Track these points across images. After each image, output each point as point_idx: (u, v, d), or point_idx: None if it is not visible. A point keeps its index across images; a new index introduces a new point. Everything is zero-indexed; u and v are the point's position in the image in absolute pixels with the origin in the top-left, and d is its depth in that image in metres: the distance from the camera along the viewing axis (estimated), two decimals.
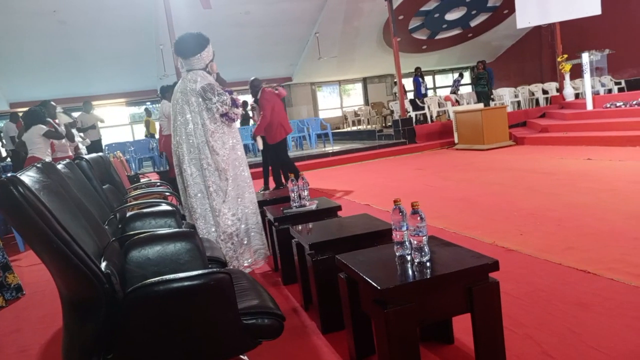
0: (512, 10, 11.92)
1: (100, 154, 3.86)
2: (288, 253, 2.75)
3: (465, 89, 16.62)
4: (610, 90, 11.77)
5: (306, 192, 3.00)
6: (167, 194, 3.93)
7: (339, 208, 2.96)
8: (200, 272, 1.34)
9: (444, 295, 1.65)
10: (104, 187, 3.03)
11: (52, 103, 6.27)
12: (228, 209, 3.07)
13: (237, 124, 3.32)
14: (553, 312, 2.29)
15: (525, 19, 10.98)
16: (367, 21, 14.03)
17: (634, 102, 8.62)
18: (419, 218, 1.73)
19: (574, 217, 3.84)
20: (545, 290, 2.54)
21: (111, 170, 3.71)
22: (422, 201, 5.42)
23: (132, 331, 1.33)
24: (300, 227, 2.49)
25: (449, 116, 11.19)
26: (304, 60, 15.56)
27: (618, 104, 8.92)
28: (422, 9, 14.11)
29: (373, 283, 1.61)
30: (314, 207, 2.92)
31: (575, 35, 11.97)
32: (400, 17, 13.57)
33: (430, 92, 16.60)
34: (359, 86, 19.18)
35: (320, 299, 2.22)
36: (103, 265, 1.33)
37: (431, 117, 12.04)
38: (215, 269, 1.36)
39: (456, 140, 10.04)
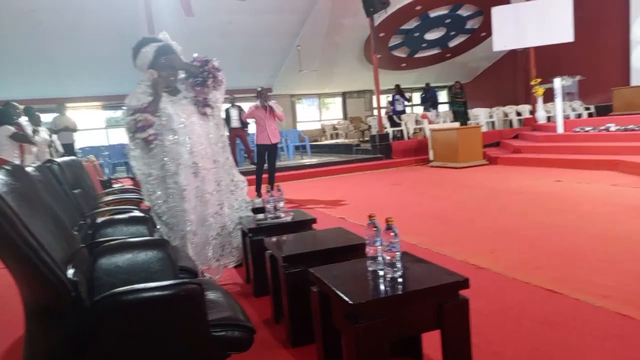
0: (489, 33, 12.26)
1: (73, 157, 3.78)
2: (261, 265, 2.73)
3: (442, 108, 16.92)
4: (580, 115, 12.16)
5: (282, 204, 3.00)
6: (140, 200, 3.86)
7: (314, 221, 2.96)
8: (170, 282, 1.32)
9: (414, 311, 1.66)
10: (75, 191, 2.97)
11: (14, 104, 5.96)
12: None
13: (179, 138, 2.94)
14: (520, 330, 2.33)
15: (501, 42, 11.30)
16: (348, 37, 14.20)
17: (602, 128, 8.92)
18: (392, 234, 1.74)
19: (543, 237, 3.93)
20: (514, 308, 2.59)
21: (83, 175, 3.64)
22: (397, 216, 5.43)
23: (98, 341, 1.29)
24: (274, 239, 2.49)
25: (424, 134, 11.36)
26: (285, 72, 15.62)
27: (587, 129, 9.21)
28: (403, 27, 14.37)
29: (345, 297, 1.62)
30: (289, 219, 2.92)
31: (548, 60, 12.35)
32: (381, 35, 13.78)
33: (408, 109, 16.84)
34: (338, 100, 19.33)
35: (291, 312, 2.21)
36: (70, 272, 1.30)
37: (408, 134, 12.20)
38: (186, 280, 1.34)
39: (431, 158, 10.19)
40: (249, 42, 13.18)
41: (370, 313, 1.60)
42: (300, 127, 17.63)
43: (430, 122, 11.85)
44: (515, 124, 12.59)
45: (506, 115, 13.01)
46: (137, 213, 2.89)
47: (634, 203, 4.86)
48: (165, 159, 2.86)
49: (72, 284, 1.25)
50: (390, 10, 12.20)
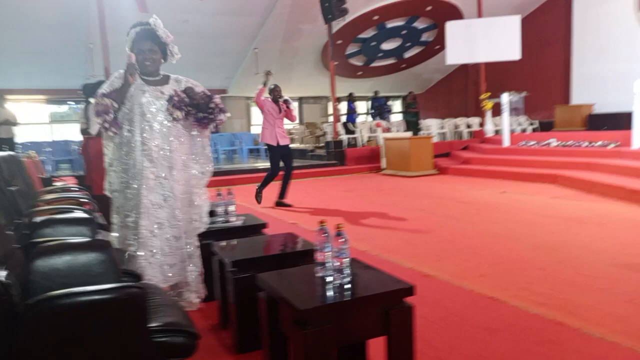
0: (442, 46, 12.64)
1: (11, 152, 3.58)
2: (208, 270, 2.68)
3: (395, 117, 17.27)
4: (525, 130, 12.73)
5: (232, 207, 2.96)
6: (84, 200, 3.70)
7: (265, 226, 2.94)
8: (111, 285, 1.27)
9: (361, 318, 1.68)
10: (11, 188, 2.80)
11: None
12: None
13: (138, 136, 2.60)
14: (464, 336, 2.40)
15: (454, 56, 11.68)
16: (306, 42, 14.25)
17: (544, 142, 9.39)
18: (342, 240, 1.76)
19: (487, 245, 4.07)
20: (458, 315, 2.66)
21: (21, 171, 3.45)
22: (348, 223, 5.50)
23: (32, 347, 1.22)
24: (222, 243, 2.45)
25: (378, 142, 11.55)
26: (241, 74, 15.47)
27: (531, 143, 9.66)
28: (360, 36, 14.57)
29: (293, 303, 1.61)
30: (239, 223, 2.88)
31: (498, 76, 12.87)
32: (339, 42, 13.92)
33: (362, 117, 17.07)
34: (295, 105, 19.33)
35: (239, 317, 2.18)
36: (2, 274, 1.23)
37: (362, 141, 12.36)
38: (127, 283, 1.29)
39: (384, 166, 10.37)
40: (205, 42, 12.96)
41: (317, 319, 1.60)
42: (255, 130, 17.49)
43: (384, 131, 12.07)
44: (465, 136, 13.02)
45: (457, 127, 13.43)
46: (79, 213, 2.76)
47: (570, 215, 5.13)
48: (122, 151, 2.61)
49: (5, 286, 1.18)
50: (349, 18, 12.36)
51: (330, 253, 1.78)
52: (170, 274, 2.56)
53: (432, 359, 2.15)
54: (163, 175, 2.56)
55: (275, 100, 6.29)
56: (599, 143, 8.32)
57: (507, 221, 5.00)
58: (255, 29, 13.34)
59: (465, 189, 7.49)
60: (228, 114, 2.85)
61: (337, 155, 11.27)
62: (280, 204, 6.53)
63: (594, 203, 5.77)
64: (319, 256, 1.82)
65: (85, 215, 2.69)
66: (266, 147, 6.57)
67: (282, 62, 15.07)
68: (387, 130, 12.44)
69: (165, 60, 2.72)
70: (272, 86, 6.37)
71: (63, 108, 15.46)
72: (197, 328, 1.59)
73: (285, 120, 6.45)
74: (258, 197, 6.63)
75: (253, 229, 2.87)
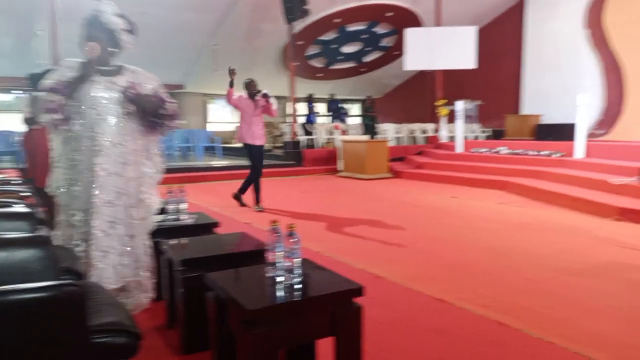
0: (401, 52, 12.87)
1: None
2: (157, 268, 2.60)
3: (352, 120, 17.44)
4: (477, 137, 13.15)
5: (184, 206, 2.89)
6: (26, 194, 3.52)
7: (216, 224, 2.89)
8: (47, 283, 1.21)
9: (310, 318, 1.68)
10: None
11: None
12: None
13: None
14: (412, 337, 2.44)
15: (412, 62, 11.91)
16: (267, 42, 14.16)
17: (495, 150, 9.72)
18: (294, 240, 1.75)
19: (437, 249, 4.17)
20: (407, 316, 2.71)
21: None
22: (303, 224, 5.49)
23: None
24: (172, 242, 2.39)
25: (335, 144, 11.62)
26: (199, 70, 15.19)
27: (482, 150, 9.98)
28: (321, 38, 14.63)
29: (241, 303, 1.59)
30: (190, 221, 2.82)
31: (454, 83, 13.22)
32: (300, 43, 13.92)
33: (321, 119, 17.14)
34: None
35: (186, 317, 2.13)
36: None
37: (320, 143, 12.39)
38: (66, 281, 1.23)
39: (340, 168, 10.44)
40: (163, 36, 12.63)
41: (266, 319, 1.59)
42: (212, 128, 17.23)
43: (342, 133, 12.16)
44: (420, 141, 13.29)
45: (412, 132, 13.70)
46: (19, 207, 2.62)
47: (517, 221, 5.33)
48: (69, 146, 2.42)
49: None
50: (310, 19, 12.39)
51: (281, 253, 1.77)
52: (124, 275, 2.42)
53: None
54: (115, 171, 2.39)
55: (252, 95, 5.95)
56: (545, 152, 8.69)
57: (457, 226, 5.14)
58: (215, 26, 13.13)
59: (418, 193, 7.65)
60: (183, 122, 2.72)
61: (295, 156, 11.26)
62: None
63: (540, 210, 6.02)
64: (270, 256, 1.80)
65: (25, 209, 2.56)
66: (244, 146, 6.15)
67: (242, 60, 14.88)
68: (345, 132, 12.54)
69: (116, 49, 2.52)
70: (248, 80, 6.11)
71: (8, 97, 14.67)
72: (143, 328, 1.54)
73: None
74: (239, 198, 6.31)
75: (204, 228, 2.82)
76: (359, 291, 1.73)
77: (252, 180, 6.15)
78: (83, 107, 2.39)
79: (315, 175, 10.53)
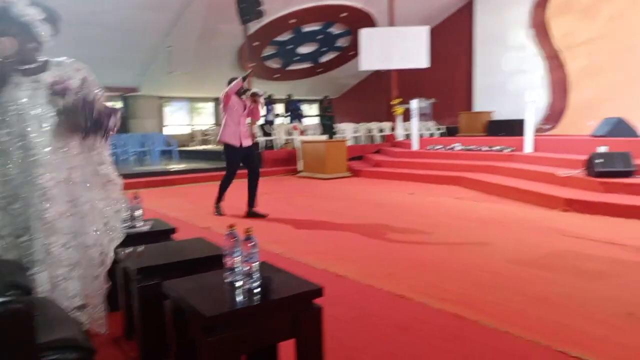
0: (357, 52, 13.02)
1: None
2: (111, 278, 2.52)
3: (310, 120, 17.50)
4: (433, 134, 13.46)
5: (139, 212, 2.82)
6: None
7: (173, 231, 2.83)
8: None
9: (270, 322, 1.67)
10: None
11: None
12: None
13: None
14: (375, 334, 2.47)
15: (367, 62, 12.07)
16: (222, 42, 13.98)
17: (449, 147, 9.98)
18: (251, 244, 1.74)
19: (397, 245, 4.25)
20: (369, 313, 2.74)
21: None
22: (264, 225, 5.45)
23: None
24: (127, 250, 2.32)
25: (294, 145, 11.62)
26: (153, 72, 14.83)
27: (437, 147, 10.23)
28: (277, 39, 14.59)
29: (200, 310, 1.57)
30: (145, 228, 2.75)
31: (408, 82, 13.48)
32: (256, 44, 13.83)
33: (280, 120, 17.09)
34: (210, 105, 18.91)
35: (145, 327, 2.08)
36: None
37: (279, 144, 12.36)
38: (10, 298, 1.18)
39: (300, 168, 10.45)
40: (115, 36, 12.26)
41: (225, 325, 1.57)
42: (168, 131, 16.86)
43: (300, 134, 12.17)
44: (378, 140, 13.48)
45: (370, 131, 13.88)
46: None
47: (472, 215, 5.50)
48: None
49: None
50: (265, 20, 12.33)
51: (239, 258, 1.75)
52: (86, 290, 2.19)
53: (343, 358, 2.19)
54: (63, 178, 2.12)
55: (240, 94, 5.59)
56: (497, 148, 9.00)
57: (415, 222, 5.24)
58: (169, 26, 12.86)
59: (377, 190, 7.75)
60: (112, 132, 2.31)
61: None
62: (253, 214, 5.73)
63: (493, 203, 6.23)
64: (228, 261, 1.78)
65: None
66: (224, 147, 5.72)
67: (198, 61, 14.68)
68: (303, 133, 12.56)
69: (36, 43, 2.15)
70: (234, 77, 5.72)
71: None
72: (100, 340, 1.50)
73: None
74: (217, 209, 5.90)
75: (161, 235, 2.75)
76: (318, 292, 1.74)
77: (254, 185, 5.74)
78: (7, 113, 2.07)
79: (275, 177, 10.49)
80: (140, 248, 2.39)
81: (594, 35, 11.27)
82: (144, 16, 12.02)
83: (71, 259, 2.12)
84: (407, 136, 11.93)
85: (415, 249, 4.12)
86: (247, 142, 5.62)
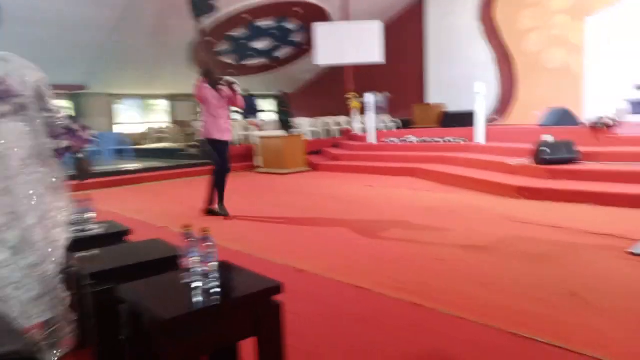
0: (311, 47, 13.02)
1: None
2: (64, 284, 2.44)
3: (267, 116, 17.39)
4: (388, 127, 13.66)
5: (90, 215, 2.73)
6: None
7: (128, 232, 2.76)
8: None
9: (229, 321, 1.67)
10: None
11: None
12: None
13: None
14: (335, 327, 2.51)
15: (322, 57, 12.11)
16: (175, 38, 13.65)
17: (404, 139, 10.17)
18: (208, 244, 1.73)
19: (355, 237, 4.31)
20: (329, 307, 2.78)
21: None
22: (222, 223, 5.39)
23: None
24: (79, 255, 2.25)
25: (252, 140, 11.53)
26: (103, 69, 14.32)
27: (393, 139, 10.40)
28: (230, 34, 14.39)
29: (156, 313, 1.55)
30: (98, 231, 2.67)
31: (364, 77, 13.61)
32: (209, 39, 13.60)
33: (236, 116, 16.90)
34: (165, 103, 18.47)
35: (99, 334, 2.02)
36: None
37: (236, 140, 12.23)
38: None
39: (259, 164, 10.40)
40: (60, 32, 11.74)
41: (184, 327, 1.56)
42: (120, 129, 16.35)
43: (258, 130, 12.08)
44: (335, 134, 13.55)
45: (327, 125, 13.94)
46: None
47: (428, 205, 5.64)
48: None
49: None
50: (218, 15, 12.13)
51: (196, 258, 1.74)
52: (37, 309, 2.02)
53: (303, 354, 2.21)
54: (1, 189, 1.96)
55: (214, 85, 5.26)
56: (450, 139, 9.24)
57: (373, 213, 5.33)
58: (118, 21, 12.44)
59: (335, 184, 7.82)
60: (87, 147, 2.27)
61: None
62: (210, 212, 5.55)
63: (447, 193, 6.41)
64: (184, 262, 1.76)
65: None
66: (202, 142, 5.46)
67: (150, 57, 14.29)
68: (260, 128, 12.48)
69: None
70: (206, 67, 5.47)
71: None
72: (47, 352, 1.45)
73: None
74: (222, 210, 5.48)
75: (115, 237, 2.68)
76: (277, 289, 1.75)
77: (219, 183, 5.55)
78: None
79: (234, 173, 10.34)
80: (93, 252, 2.33)
81: (540, 28, 11.74)
82: (90, 11, 11.58)
83: (9, 279, 1.95)
84: (364, 130, 12.06)
85: (374, 241, 4.20)
86: (227, 136, 5.38)
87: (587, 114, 8.76)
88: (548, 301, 2.68)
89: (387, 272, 3.32)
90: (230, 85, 5.30)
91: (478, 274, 3.19)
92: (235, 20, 13.67)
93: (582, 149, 6.35)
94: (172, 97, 18.27)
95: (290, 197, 6.80)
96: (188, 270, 1.75)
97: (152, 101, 18.40)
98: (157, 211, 6.11)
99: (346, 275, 3.26)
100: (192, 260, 1.74)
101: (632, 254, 3.38)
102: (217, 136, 5.28)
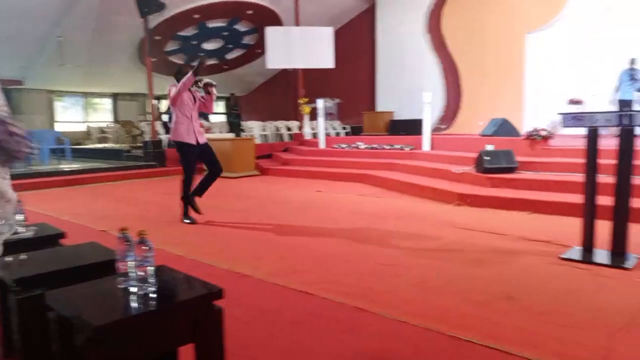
0: (263, 50, 12.96)
1: None
2: None
3: (217, 118, 17.16)
4: (339, 133, 13.81)
5: (21, 217, 2.57)
6: None
7: (62, 235, 2.63)
8: None
9: (167, 328, 1.61)
10: None
11: None
12: None
13: None
14: (276, 332, 2.48)
15: (274, 61, 12.08)
16: (121, 35, 13.21)
17: (354, 145, 10.30)
18: (145, 248, 1.67)
19: (302, 242, 4.30)
20: (271, 312, 2.75)
21: None
22: (166, 227, 5.26)
23: None
24: (5, 259, 2.11)
25: None
26: (42, 64, 13.62)
27: (343, 146, 10.51)
28: (180, 33, 14.09)
29: (87, 320, 1.47)
30: (29, 234, 2.52)
31: (315, 82, 13.70)
32: (158, 38, 13.25)
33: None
34: (108, 101, 17.79)
35: (25, 344, 1.90)
36: None
37: None
38: None
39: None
40: None
41: (118, 334, 1.49)
42: (60, 128, 15.59)
43: (206, 132, 11.86)
44: (286, 138, 13.55)
45: (278, 129, 13.90)
46: None
47: (375, 211, 5.72)
48: None
49: None
50: (167, 14, 11.85)
51: (133, 262, 1.67)
52: None
53: (243, 359, 2.18)
54: None
55: (190, 87, 4.99)
56: (398, 146, 9.45)
57: (321, 219, 5.35)
58: (59, 15, 11.87)
59: (284, 189, 7.79)
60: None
61: (156, 156, 10.71)
62: (190, 203, 5.20)
63: (394, 199, 6.53)
64: (121, 266, 1.69)
65: None
66: (177, 146, 5.14)
67: (94, 54, 13.74)
68: (209, 130, 12.27)
69: None
70: (181, 66, 5.01)
71: None
72: None
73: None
74: (194, 206, 5.20)
75: (47, 240, 2.54)
76: (218, 294, 1.71)
77: (211, 181, 5.29)
78: None
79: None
80: (22, 256, 2.19)
81: (485, 42, 12.25)
82: (29, 3, 11.00)
83: None
84: (315, 135, 12.12)
85: (320, 245, 4.21)
86: (202, 139, 5.11)
87: (527, 125, 9.22)
88: (486, 304, 2.77)
89: (332, 276, 3.33)
90: (207, 87, 5.03)
91: (420, 278, 3.26)
92: (185, 19, 13.41)
93: (520, 158, 6.66)
94: (116, 96, 17.64)
95: (238, 202, 6.72)
96: (124, 274, 1.68)
97: (95, 99, 17.69)
98: (98, 214, 5.86)
99: (290, 280, 3.24)
100: (129, 265, 1.68)
101: (564, 259, 3.57)
102: (193, 140, 5.02)
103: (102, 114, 17.79)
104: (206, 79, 5.09)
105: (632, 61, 9.22)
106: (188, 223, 5.13)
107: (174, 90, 4.92)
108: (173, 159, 10.82)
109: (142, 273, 1.67)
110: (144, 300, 1.62)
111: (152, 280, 1.68)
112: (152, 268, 1.69)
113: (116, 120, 17.19)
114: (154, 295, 1.65)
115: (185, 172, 5.19)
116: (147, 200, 7.04)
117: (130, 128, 15.26)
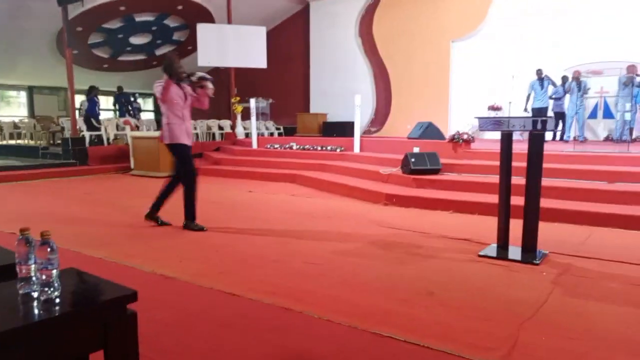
0: (195, 47, 12.62)
1: None
2: None
3: (145, 115, 16.51)
4: (272, 134, 13.74)
5: None
6: None
7: None
8: None
9: (73, 334, 1.51)
10: None
11: None
12: None
13: None
14: (199, 335, 2.41)
15: (205, 58, 11.78)
16: (37, 24, 12.33)
17: (287, 146, 10.29)
18: (49, 249, 1.55)
19: (230, 243, 4.22)
20: (195, 314, 2.67)
21: None
22: (86, 228, 4.99)
23: None
24: None
25: (126, 140, 10.82)
26: None
27: (275, 146, 10.47)
28: (104, 26, 13.39)
29: None
30: None
31: (248, 81, 13.56)
32: (79, 29, 12.52)
33: (110, 114, 15.77)
34: (23, 95, 16.56)
35: None
36: None
37: (108, 139, 11.38)
38: None
39: (132, 166, 9.77)
40: None
41: (17, 343, 1.37)
42: None
43: (132, 129, 11.37)
44: (218, 138, 13.27)
45: (209, 128, 13.59)
46: None
47: (305, 210, 5.74)
48: None
49: None
50: (89, 4, 11.24)
51: (34, 265, 1.55)
52: None
53: None
54: None
55: (180, 80, 4.54)
56: (330, 147, 9.55)
57: (252, 219, 5.28)
58: None
59: (216, 189, 7.62)
60: None
61: (77, 154, 10.12)
62: (152, 216, 4.94)
63: (324, 199, 6.59)
64: (21, 270, 1.56)
65: None
66: (174, 149, 4.69)
67: (5, 42, 12.74)
68: (136, 128, 11.77)
69: None
70: (170, 61, 4.56)
71: None
72: None
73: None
74: (192, 224, 4.80)
75: None
76: (132, 297, 1.62)
77: (192, 189, 4.86)
78: None
79: (104, 175, 9.65)
80: None
81: (414, 48, 12.69)
82: None
83: None
84: (247, 135, 11.97)
85: (249, 245, 4.15)
86: (190, 140, 4.74)
87: (452, 129, 9.65)
88: (408, 301, 2.86)
89: (260, 276, 3.30)
90: (200, 81, 4.62)
91: (346, 276, 3.30)
92: (110, 11, 12.76)
93: (444, 160, 6.96)
94: (32, 89, 16.46)
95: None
96: (25, 279, 1.55)
97: (7, 92, 16.40)
98: (8, 216, 5.42)
99: (218, 281, 3.17)
100: (31, 268, 1.55)
101: (482, 256, 3.76)
102: (186, 140, 4.64)
103: (16, 108, 16.53)
104: (200, 73, 4.72)
105: (539, 72, 9.95)
106: (200, 230, 4.71)
107: (158, 91, 4.53)
108: (96, 157, 10.29)
109: (46, 277, 1.55)
110: (46, 306, 1.50)
111: (56, 284, 1.56)
112: (56, 271, 1.57)
113: (32, 115, 16.03)
114: (59, 301, 1.53)
115: (187, 175, 4.81)
116: (66, 200, 6.62)
117: (49, 124, 14.28)
